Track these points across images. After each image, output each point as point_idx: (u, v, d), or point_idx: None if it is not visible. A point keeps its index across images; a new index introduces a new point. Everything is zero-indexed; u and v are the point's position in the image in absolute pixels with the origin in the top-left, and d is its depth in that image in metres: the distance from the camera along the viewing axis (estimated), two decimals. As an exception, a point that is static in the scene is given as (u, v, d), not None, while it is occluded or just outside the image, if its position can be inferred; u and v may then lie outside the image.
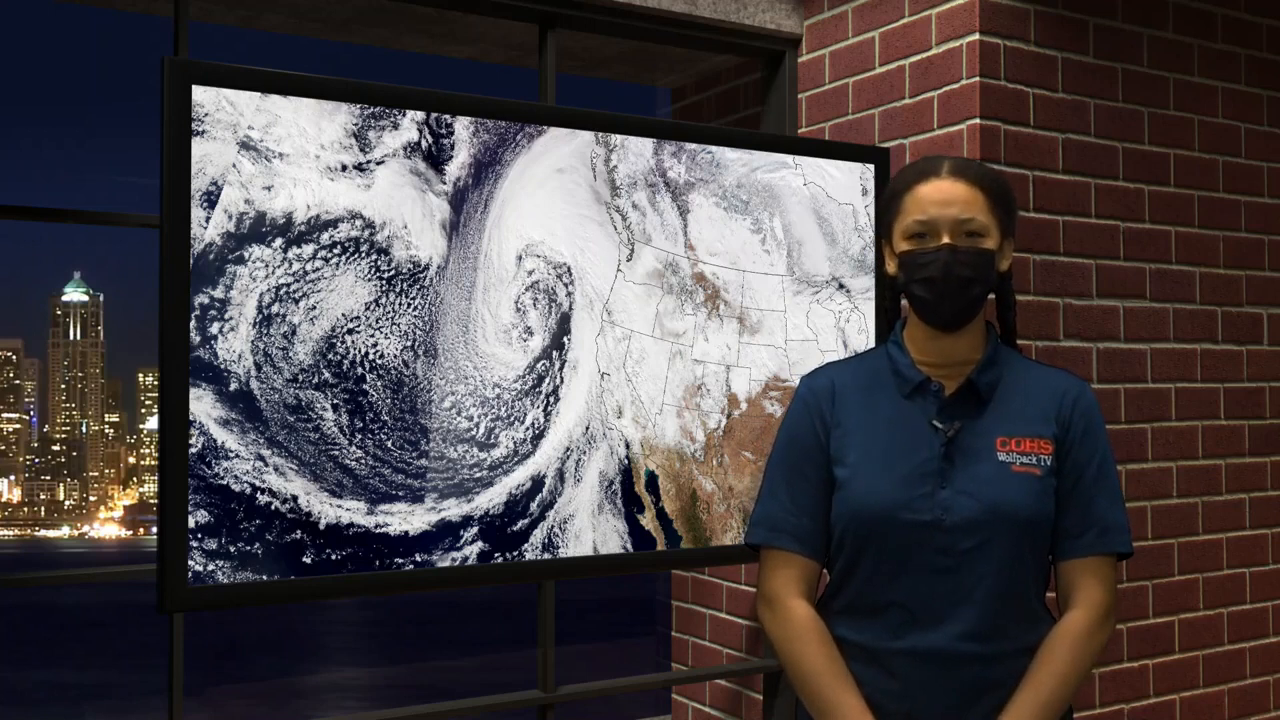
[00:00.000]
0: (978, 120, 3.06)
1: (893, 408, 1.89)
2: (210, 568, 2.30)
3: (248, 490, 2.33)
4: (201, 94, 2.29)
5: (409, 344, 2.49)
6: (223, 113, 2.31)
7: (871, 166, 3.10)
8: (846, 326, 3.05)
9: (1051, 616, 1.90)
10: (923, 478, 1.83)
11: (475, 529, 2.56)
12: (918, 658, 1.82)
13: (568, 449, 2.68)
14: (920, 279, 1.83)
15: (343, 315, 2.42)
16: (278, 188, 2.36)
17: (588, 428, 2.70)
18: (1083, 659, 1.83)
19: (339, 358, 2.42)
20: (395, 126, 2.48)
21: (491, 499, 2.59)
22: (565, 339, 2.68)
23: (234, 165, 2.32)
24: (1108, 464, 1.89)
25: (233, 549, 2.32)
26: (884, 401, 1.90)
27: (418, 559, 2.50)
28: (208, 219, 2.29)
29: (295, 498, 2.37)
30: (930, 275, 1.82)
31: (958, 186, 1.84)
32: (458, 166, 2.55)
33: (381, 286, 2.46)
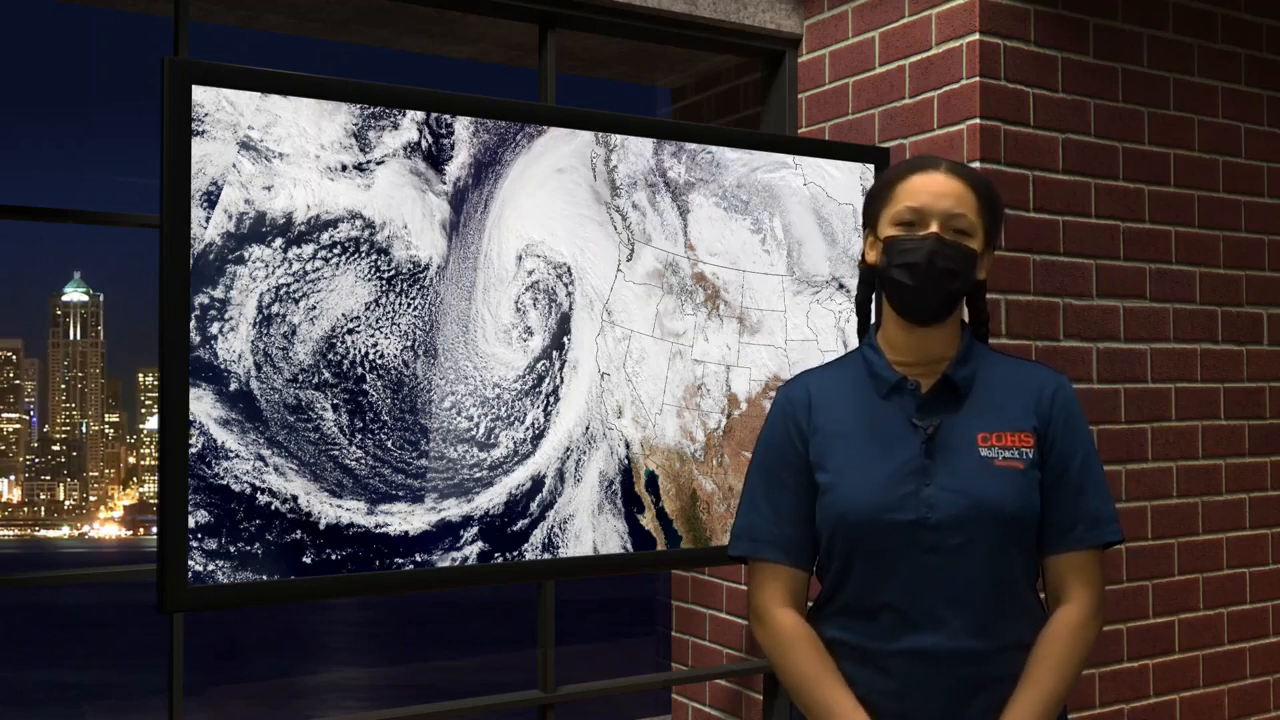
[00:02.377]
0: (978, 120, 3.06)
1: (871, 410, 1.89)
2: (210, 568, 2.30)
3: (248, 490, 2.33)
4: (201, 94, 2.29)
5: (409, 344, 2.49)
6: (223, 113, 2.31)
7: (871, 166, 3.10)
8: (846, 326, 3.05)
9: (1044, 610, 1.89)
10: (905, 477, 1.83)
11: (475, 529, 2.56)
12: (913, 658, 1.82)
13: (568, 449, 2.68)
14: (902, 264, 1.83)
15: (343, 315, 2.42)
16: (278, 188, 2.36)
17: (588, 428, 2.70)
18: (1079, 654, 1.83)
19: (339, 358, 2.42)
20: (395, 126, 2.48)
21: (491, 499, 2.59)
22: (565, 339, 2.68)
23: (234, 165, 2.32)
24: (1091, 455, 1.89)
25: (233, 549, 2.32)
26: (862, 404, 1.90)
27: (418, 559, 2.50)
28: (208, 219, 2.29)
29: (295, 498, 2.37)
30: (914, 261, 1.82)
31: (953, 182, 1.85)
32: (458, 166, 2.55)
33: (381, 286, 2.46)
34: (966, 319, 2.00)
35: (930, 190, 1.84)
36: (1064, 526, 1.86)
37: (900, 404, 1.87)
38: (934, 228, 1.83)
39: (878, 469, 1.84)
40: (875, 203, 1.92)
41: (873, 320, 2.00)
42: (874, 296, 2.01)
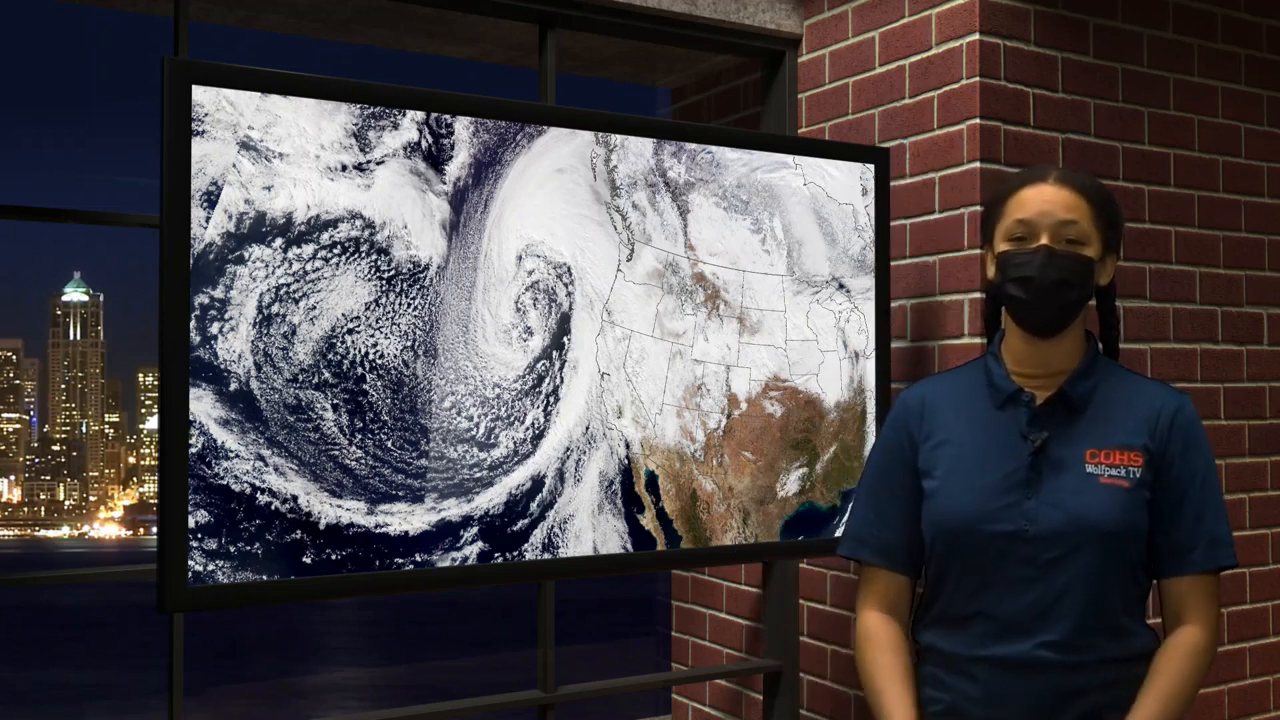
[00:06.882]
0: (978, 120, 3.06)
1: (984, 419, 1.89)
2: (210, 568, 2.30)
3: (248, 490, 2.33)
4: (201, 94, 2.29)
5: (409, 344, 2.49)
6: (223, 113, 2.31)
7: (871, 166, 3.10)
8: (846, 326, 3.05)
9: (1145, 629, 1.88)
10: (1009, 489, 1.83)
11: (475, 529, 2.56)
12: (997, 665, 1.82)
13: (568, 449, 2.68)
14: (1015, 278, 1.83)
15: (343, 315, 2.42)
16: (278, 188, 2.36)
17: (588, 428, 2.70)
18: (1196, 675, 1.81)
19: (339, 358, 2.42)
20: (395, 126, 2.48)
21: (491, 499, 2.59)
22: (565, 339, 2.68)
23: (234, 165, 2.32)
24: (1211, 478, 1.87)
25: (233, 549, 2.32)
26: (977, 413, 1.90)
27: (418, 559, 2.50)
28: (208, 219, 2.29)
29: (295, 498, 2.37)
30: (1026, 275, 1.82)
31: (1062, 192, 1.85)
32: (458, 166, 2.55)
33: (381, 286, 2.46)
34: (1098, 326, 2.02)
35: (1039, 201, 1.84)
36: (1182, 549, 1.84)
37: (1014, 415, 1.87)
38: (1044, 239, 1.83)
39: (981, 478, 1.84)
40: (989, 218, 1.93)
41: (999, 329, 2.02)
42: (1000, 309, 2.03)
